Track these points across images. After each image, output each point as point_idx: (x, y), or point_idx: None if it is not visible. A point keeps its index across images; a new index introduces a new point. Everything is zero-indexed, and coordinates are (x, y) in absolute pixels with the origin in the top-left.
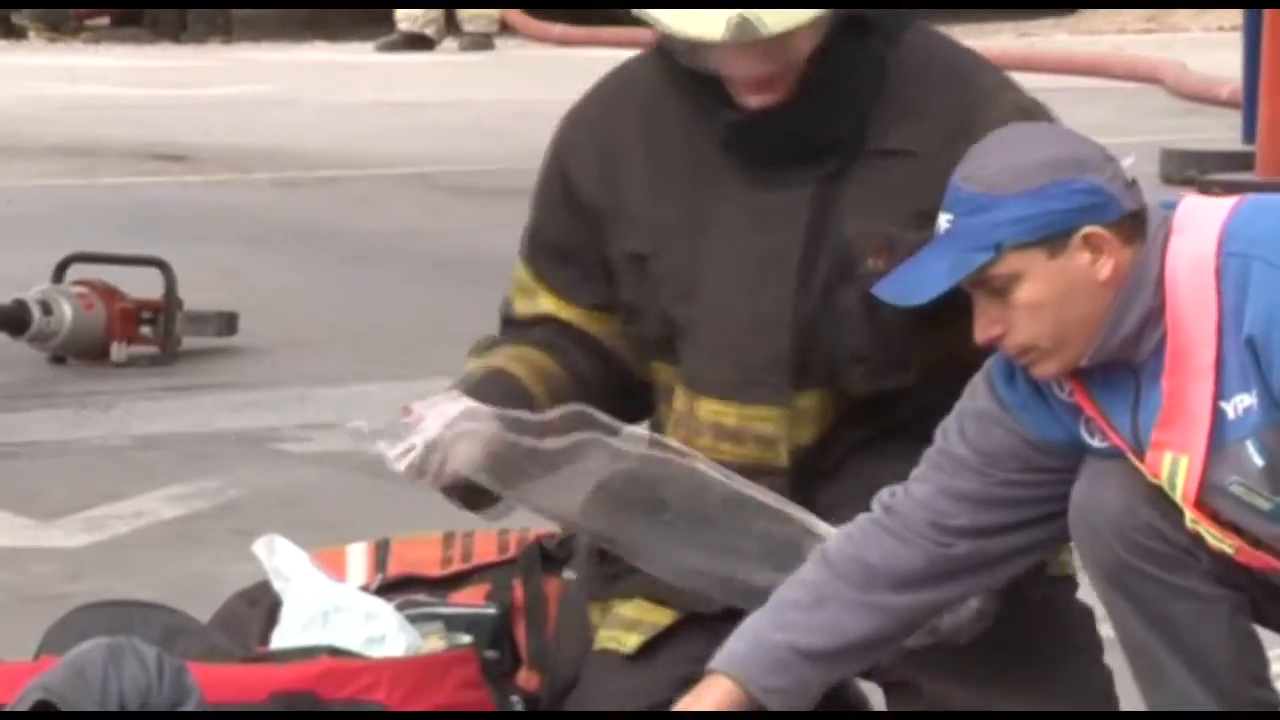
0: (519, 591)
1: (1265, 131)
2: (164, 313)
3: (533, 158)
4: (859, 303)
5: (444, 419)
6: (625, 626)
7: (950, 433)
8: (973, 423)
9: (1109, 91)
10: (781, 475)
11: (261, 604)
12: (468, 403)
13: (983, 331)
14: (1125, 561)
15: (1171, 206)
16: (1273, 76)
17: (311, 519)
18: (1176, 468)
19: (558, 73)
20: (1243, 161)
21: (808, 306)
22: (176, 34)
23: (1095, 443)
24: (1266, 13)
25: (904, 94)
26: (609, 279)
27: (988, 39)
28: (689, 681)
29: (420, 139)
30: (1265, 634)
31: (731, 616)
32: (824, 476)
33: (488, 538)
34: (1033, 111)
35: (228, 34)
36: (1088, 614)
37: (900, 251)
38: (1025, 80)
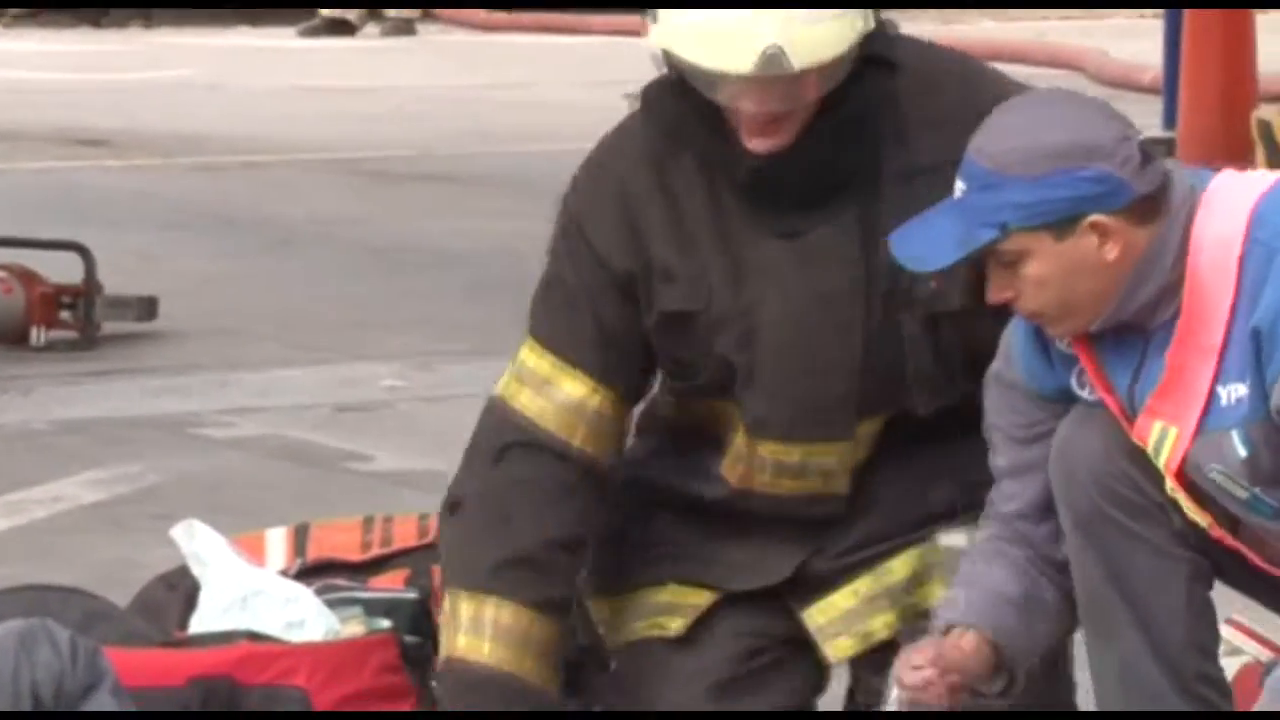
0: (438, 576)
1: (1186, 117)
2: (84, 297)
3: (454, 143)
4: (922, 325)
5: None
6: (663, 612)
7: (986, 410)
8: (992, 389)
9: (1032, 78)
10: (842, 499)
11: (180, 588)
12: None
13: (994, 294)
14: (1097, 506)
15: (1203, 179)
16: (1193, 63)
17: (232, 504)
18: (1165, 437)
19: (479, 58)
20: (1164, 147)
21: (872, 342)
22: (97, 19)
23: (1084, 394)
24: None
25: (919, 111)
26: (645, 356)
27: (913, 25)
28: (748, 655)
29: (342, 125)
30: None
31: (769, 593)
32: (868, 470)
33: (408, 523)
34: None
35: (148, 19)
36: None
37: (957, 268)
38: None
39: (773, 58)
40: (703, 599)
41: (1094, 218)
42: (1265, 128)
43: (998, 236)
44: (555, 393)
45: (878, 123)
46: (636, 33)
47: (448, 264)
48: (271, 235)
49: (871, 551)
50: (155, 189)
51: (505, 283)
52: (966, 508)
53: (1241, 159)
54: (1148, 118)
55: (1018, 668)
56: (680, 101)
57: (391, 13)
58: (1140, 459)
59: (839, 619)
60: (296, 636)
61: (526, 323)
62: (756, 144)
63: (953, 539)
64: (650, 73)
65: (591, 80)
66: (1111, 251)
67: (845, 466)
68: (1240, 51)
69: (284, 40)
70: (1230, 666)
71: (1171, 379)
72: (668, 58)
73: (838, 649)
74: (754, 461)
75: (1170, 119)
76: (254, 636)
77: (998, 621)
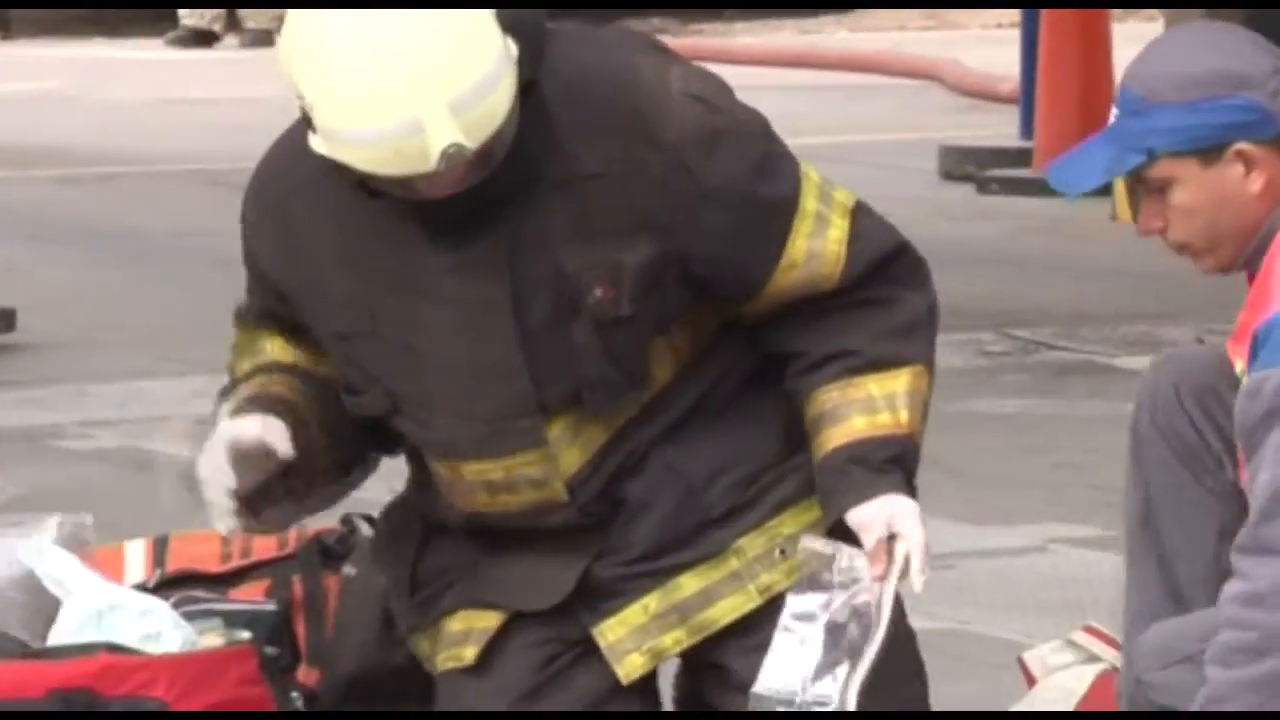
0: (299, 588)
1: (1043, 128)
2: None
3: None
4: (592, 333)
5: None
6: (457, 642)
7: None
8: None
9: (889, 88)
10: (569, 506)
11: (40, 601)
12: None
13: (1145, 224)
14: (1153, 434)
15: None
16: (1050, 73)
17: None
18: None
19: None
20: (1020, 157)
21: (535, 347)
22: None
23: None
24: (1043, 10)
25: (574, 117)
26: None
27: (770, 36)
28: (546, 662)
29: (203, 136)
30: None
31: (559, 609)
32: (628, 475)
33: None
34: (705, 94)
35: (6, 30)
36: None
37: (626, 277)
38: (806, 77)
39: (455, 153)
40: (492, 621)
41: (1240, 146)
42: None
43: (1144, 161)
44: (259, 351)
45: (529, 139)
46: None
47: None
48: (131, 247)
49: (660, 564)
50: (12, 201)
51: None
52: (746, 506)
53: None
54: (1006, 128)
55: None
56: None
57: (251, 23)
58: (1210, 403)
59: (628, 636)
60: (154, 649)
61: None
62: (424, 192)
63: (814, 543)
64: None
65: None
66: (1256, 182)
67: (556, 472)
68: (1097, 61)
69: (143, 51)
70: (1087, 674)
71: (1242, 328)
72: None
73: (629, 667)
74: (463, 486)
75: (1028, 129)
76: (113, 648)
77: None
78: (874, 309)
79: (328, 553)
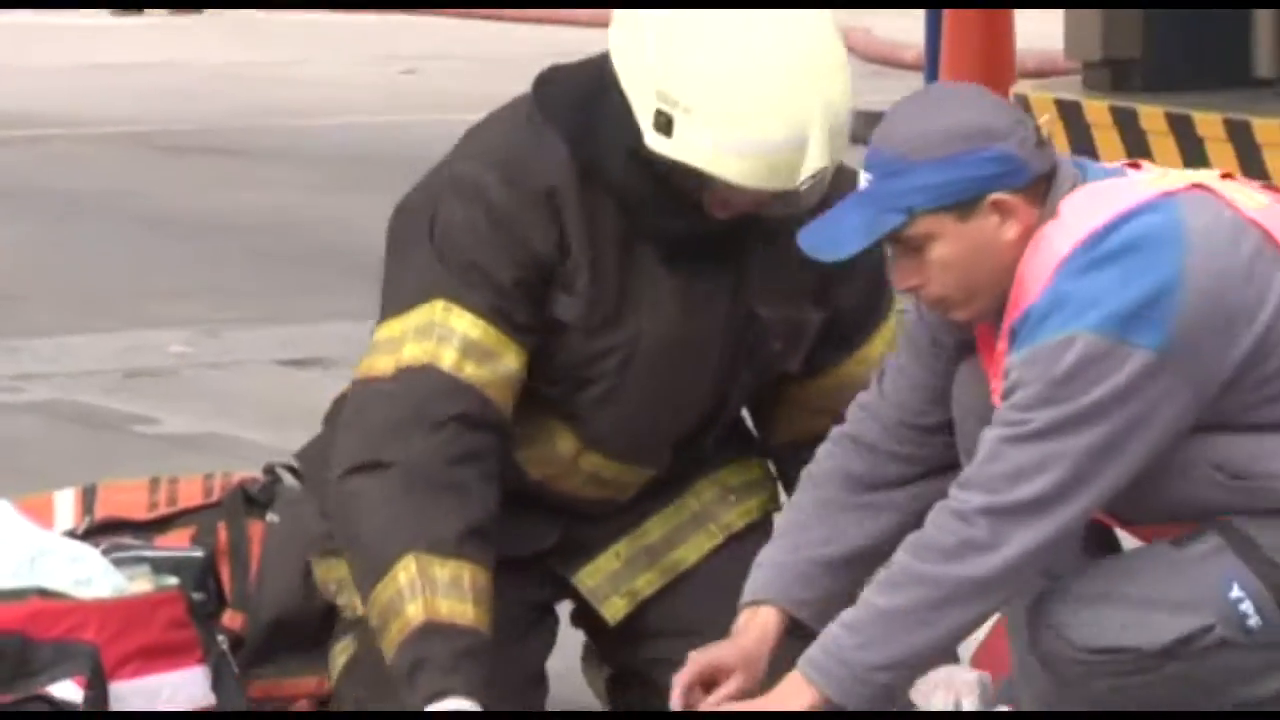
0: (223, 534)
1: None
2: None
3: (235, 117)
4: (753, 378)
5: None
6: None
7: (910, 316)
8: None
9: None
10: (620, 503)
11: None
12: None
13: (900, 282)
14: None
15: (1084, 170)
16: (954, 40)
17: (22, 466)
18: None
19: (259, 35)
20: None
21: (717, 388)
22: None
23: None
24: None
25: None
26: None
27: None
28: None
29: (128, 100)
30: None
31: (535, 557)
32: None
33: (193, 483)
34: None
35: None
36: None
37: (805, 336)
38: None
39: (819, 176)
40: None
41: (996, 196)
42: (1022, 102)
43: (905, 220)
44: (499, 365)
45: None
46: (407, 10)
47: (231, 233)
48: (59, 207)
49: (626, 515)
50: None
51: (284, 251)
52: (696, 464)
53: None
54: (910, 91)
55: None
56: (624, 150)
57: None
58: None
59: (605, 581)
60: (85, 593)
61: (440, 284)
62: (720, 212)
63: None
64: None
65: (362, 57)
66: (1011, 230)
67: (641, 483)
68: (999, 30)
69: (69, 18)
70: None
71: (998, 359)
72: (675, 166)
73: (612, 609)
74: (567, 467)
75: None
76: (44, 593)
77: (787, 592)
78: None
79: (251, 501)
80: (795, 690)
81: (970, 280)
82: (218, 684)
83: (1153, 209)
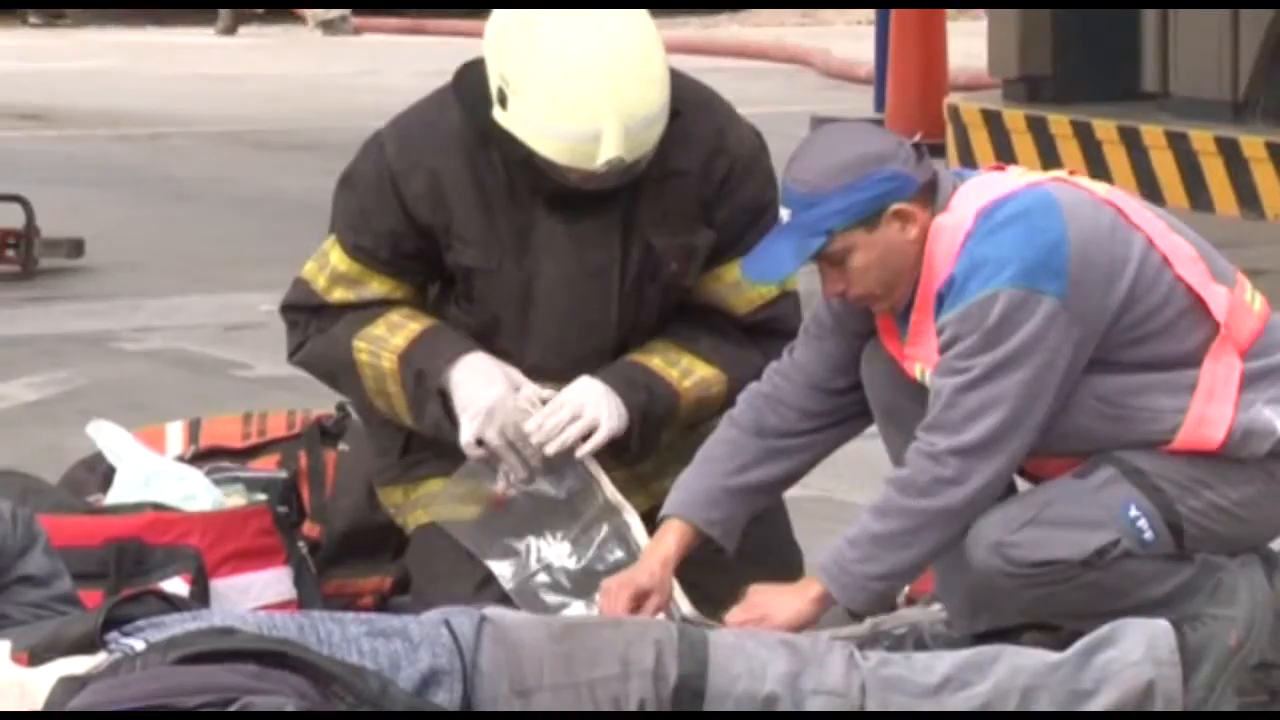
0: (303, 460)
1: (891, 103)
2: (24, 239)
3: (315, 119)
4: (659, 294)
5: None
6: (460, 500)
7: (818, 301)
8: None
9: (772, 71)
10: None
11: (98, 470)
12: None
13: (830, 290)
14: (894, 397)
15: (962, 176)
16: (898, 60)
17: (141, 403)
18: (924, 373)
19: (336, 53)
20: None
21: (625, 308)
22: (25, 18)
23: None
24: (892, 10)
25: (672, 126)
26: (435, 264)
27: (676, 29)
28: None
29: (228, 104)
30: None
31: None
32: None
33: (279, 417)
34: (756, 131)
35: (74, 20)
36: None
37: (696, 256)
38: (706, 62)
39: (614, 164)
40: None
41: (895, 206)
42: (954, 111)
43: (826, 241)
44: (364, 290)
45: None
46: (464, 34)
47: (307, 213)
48: (172, 190)
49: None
50: (80, 154)
51: None
52: None
53: (937, 135)
54: (863, 102)
55: (729, 540)
56: (497, 126)
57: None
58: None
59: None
60: (190, 507)
61: (334, 221)
62: (575, 182)
63: None
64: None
65: (425, 71)
66: (911, 231)
67: None
68: (934, 51)
69: (182, 37)
70: None
71: (914, 333)
72: (509, 135)
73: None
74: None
75: (880, 104)
76: (158, 507)
77: (699, 511)
78: (736, 342)
79: (326, 433)
80: (807, 586)
81: (887, 278)
82: (298, 582)
83: (1029, 190)
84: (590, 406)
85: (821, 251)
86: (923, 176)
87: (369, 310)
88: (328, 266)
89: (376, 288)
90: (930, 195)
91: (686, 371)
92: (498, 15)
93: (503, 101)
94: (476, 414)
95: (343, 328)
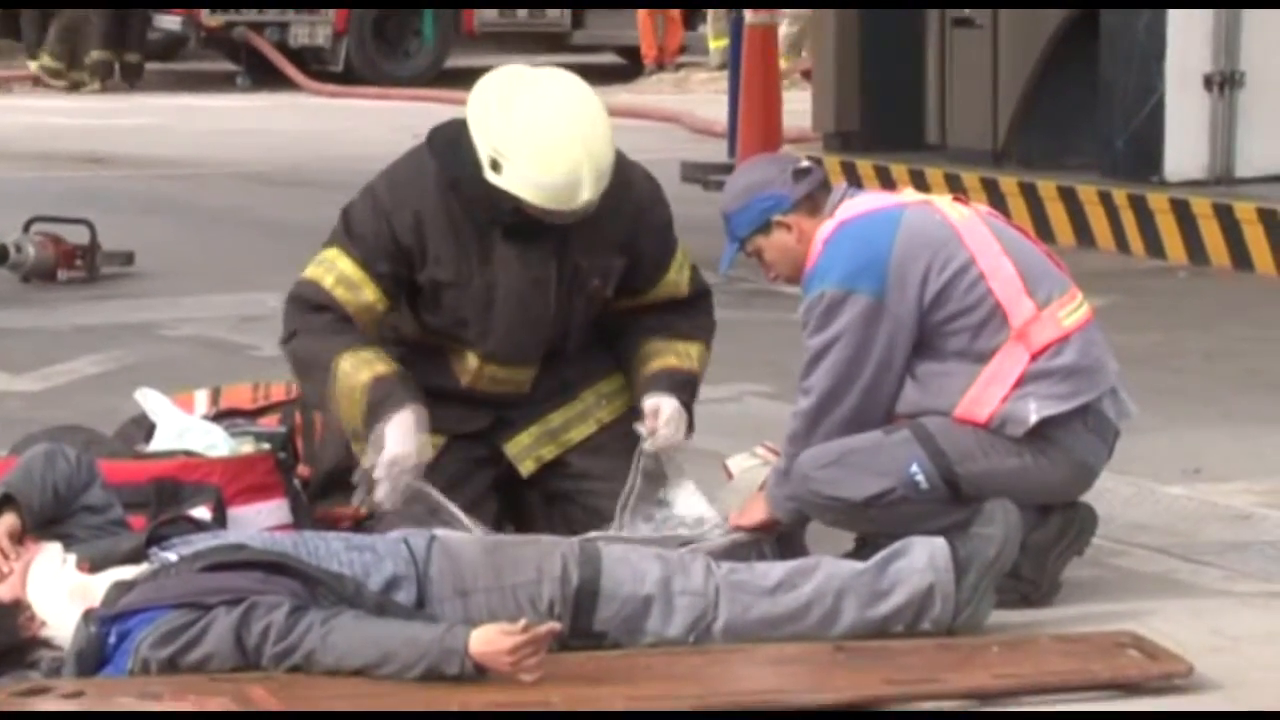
0: (299, 418)
1: (741, 152)
2: (90, 253)
3: (310, 163)
4: (584, 305)
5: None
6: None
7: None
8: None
9: (653, 128)
10: (525, 392)
11: (143, 425)
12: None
13: (765, 275)
14: None
15: (854, 192)
16: (746, 120)
17: (176, 376)
18: None
19: (324, 113)
20: (727, 169)
21: (559, 311)
22: (102, 83)
23: None
24: (741, 84)
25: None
26: (407, 287)
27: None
28: (465, 464)
29: (246, 151)
30: None
31: (480, 434)
32: (544, 378)
33: (280, 386)
34: (650, 177)
35: (131, 86)
36: None
37: (613, 274)
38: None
39: (589, 205)
40: (439, 439)
41: (775, 218)
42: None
43: (740, 245)
44: (360, 294)
45: None
46: (422, 100)
47: (306, 233)
48: (203, 216)
49: (539, 409)
50: (134, 189)
51: None
52: (584, 378)
53: None
54: (719, 151)
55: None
56: (472, 175)
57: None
58: None
59: (524, 449)
60: (213, 454)
61: (338, 240)
62: (554, 220)
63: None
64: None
65: (395, 126)
66: (794, 235)
67: (529, 377)
68: (772, 113)
69: (214, 100)
70: (764, 472)
71: None
72: (501, 191)
73: (526, 467)
74: (482, 374)
75: (732, 152)
76: (188, 454)
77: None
78: (692, 313)
79: None
80: (758, 506)
81: (790, 268)
82: (294, 510)
83: (887, 209)
84: (681, 415)
85: (744, 251)
86: (800, 192)
87: (355, 334)
88: (334, 270)
89: (368, 294)
90: (812, 206)
91: (688, 355)
92: (478, 99)
93: (495, 168)
94: (385, 453)
95: (335, 339)
